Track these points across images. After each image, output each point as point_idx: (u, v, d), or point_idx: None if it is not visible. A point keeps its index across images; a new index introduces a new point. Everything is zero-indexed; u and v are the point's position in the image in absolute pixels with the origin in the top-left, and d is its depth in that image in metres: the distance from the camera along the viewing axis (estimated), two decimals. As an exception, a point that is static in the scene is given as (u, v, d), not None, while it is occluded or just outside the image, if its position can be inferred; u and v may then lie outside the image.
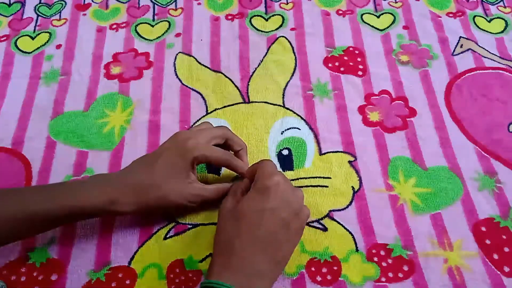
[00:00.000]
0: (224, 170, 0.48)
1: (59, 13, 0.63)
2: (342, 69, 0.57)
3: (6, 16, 0.63)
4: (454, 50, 0.59)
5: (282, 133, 0.51)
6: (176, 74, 0.56)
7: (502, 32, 0.61)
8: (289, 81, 0.55)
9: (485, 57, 0.58)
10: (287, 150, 0.50)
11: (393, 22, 0.62)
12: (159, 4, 0.64)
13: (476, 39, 0.60)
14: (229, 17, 0.62)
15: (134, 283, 0.42)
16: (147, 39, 0.60)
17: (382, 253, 0.43)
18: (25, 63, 0.58)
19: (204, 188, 0.42)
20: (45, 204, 0.37)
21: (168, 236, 0.44)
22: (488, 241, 0.44)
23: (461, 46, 0.59)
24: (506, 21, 0.62)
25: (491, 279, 0.42)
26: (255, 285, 0.35)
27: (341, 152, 0.50)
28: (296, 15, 0.62)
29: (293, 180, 0.47)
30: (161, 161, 0.40)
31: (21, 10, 0.64)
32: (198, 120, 0.52)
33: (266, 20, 0.62)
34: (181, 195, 0.40)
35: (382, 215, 0.45)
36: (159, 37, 0.60)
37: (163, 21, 0.62)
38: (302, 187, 0.47)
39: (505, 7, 0.64)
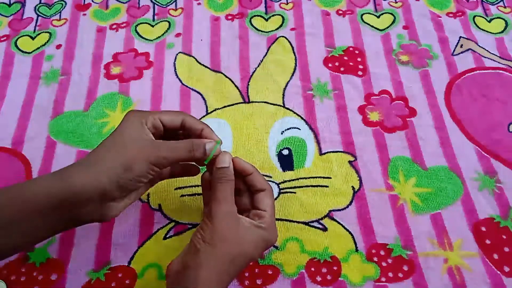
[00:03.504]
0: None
1: (59, 13, 0.63)
2: (342, 69, 0.57)
3: (6, 16, 0.63)
4: (454, 50, 0.59)
5: (282, 133, 0.51)
6: (176, 74, 0.56)
7: (502, 32, 0.61)
8: (289, 81, 0.55)
9: (485, 57, 0.58)
10: (287, 150, 0.50)
11: (393, 22, 0.62)
12: (159, 4, 0.64)
13: (476, 39, 0.60)
14: (229, 17, 0.62)
15: (134, 283, 0.42)
16: (147, 39, 0.60)
17: (382, 253, 0.43)
18: (25, 63, 0.58)
19: (169, 143, 0.36)
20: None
21: (167, 236, 0.44)
22: (488, 241, 0.44)
23: (461, 46, 0.59)
24: (506, 21, 0.62)
25: (491, 279, 0.42)
26: None
27: (341, 152, 0.50)
28: (296, 15, 0.62)
29: (293, 180, 0.47)
30: (110, 135, 0.36)
31: (21, 10, 0.64)
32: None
33: (266, 20, 0.62)
34: (143, 151, 0.34)
35: (382, 215, 0.45)
36: (159, 37, 0.60)
37: (163, 21, 0.62)
38: (302, 187, 0.47)
39: (505, 7, 0.64)
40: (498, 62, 0.57)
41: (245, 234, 0.35)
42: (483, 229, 0.45)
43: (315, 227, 0.45)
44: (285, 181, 0.47)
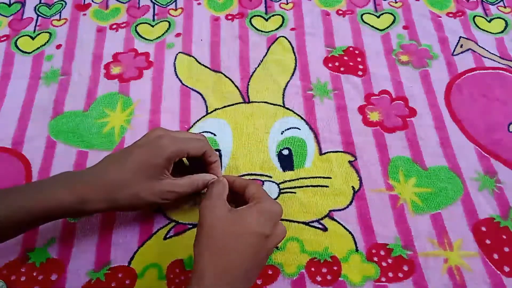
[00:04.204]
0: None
1: (59, 13, 0.63)
2: (342, 69, 0.57)
3: (6, 16, 0.63)
4: (454, 50, 0.59)
5: (282, 133, 0.51)
6: (176, 74, 0.56)
7: (502, 32, 0.61)
8: (289, 81, 0.55)
9: (485, 57, 0.58)
10: (287, 150, 0.50)
11: (393, 22, 0.62)
12: (159, 4, 0.64)
13: (476, 39, 0.60)
14: (229, 17, 0.62)
15: (134, 283, 0.42)
16: (147, 39, 0.60)
17: (382, 253, 0.43)
18: (25, 63, 0.58)
19: (175, 183, 0.40)
20: (5, 209, 0.35)
21: (168, 236, 0.44)
22: (488, 241, 0.44)
23: (461, 46, 0.59)
24: (506, 21, 0.62)
25: (491, 279, 0.42)
26: None
27: (341, 152, 0.50)
28: (296, 15, 0.62)
29: (293, 180, 0.47)
30: (133, 158, 0.38)
31: (21, 10, 0.64)
32: (198, 120, 0.52)
33: (266, 20, 0.62)
34: (152, 193, 0.38)
35: (382, 215, 0.45)
36: (159, 37, 0.60)
37: (163, 21, 0.62)
38: (302, 187, 0.47)
39: (505, 7, 0.64)
40: (498, 62, 0.57)
41: (237, 215, 0.36)
42: (483, 229, 0.45)
43: (315, 227, 0.45)
44: (285, 181, 0.47)
